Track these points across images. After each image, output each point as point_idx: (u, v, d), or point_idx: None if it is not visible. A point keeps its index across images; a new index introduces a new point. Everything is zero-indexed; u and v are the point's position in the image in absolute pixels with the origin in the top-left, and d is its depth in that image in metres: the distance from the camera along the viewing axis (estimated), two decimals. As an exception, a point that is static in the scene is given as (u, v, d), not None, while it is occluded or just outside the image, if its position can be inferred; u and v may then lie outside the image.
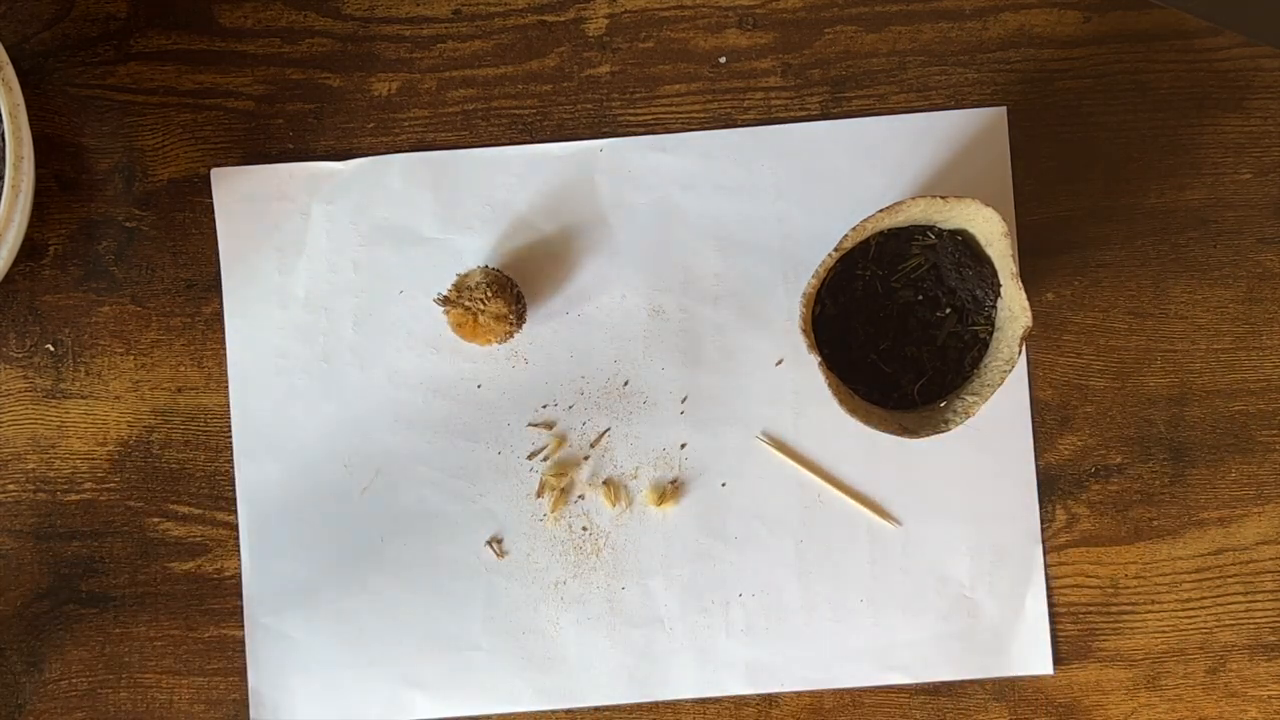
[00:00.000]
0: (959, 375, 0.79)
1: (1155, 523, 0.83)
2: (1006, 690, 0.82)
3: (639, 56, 0.83)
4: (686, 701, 0.82)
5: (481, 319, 0.77)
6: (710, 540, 0.83)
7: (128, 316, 0.83)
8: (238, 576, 0.83)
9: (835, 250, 0.75)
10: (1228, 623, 0.82)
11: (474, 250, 0.83)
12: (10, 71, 0.74)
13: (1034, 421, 0.83)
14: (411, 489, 0.83)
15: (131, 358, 0.83)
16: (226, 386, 0.83)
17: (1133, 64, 0.83)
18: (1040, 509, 0.82)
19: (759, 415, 0.83)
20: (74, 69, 0.83)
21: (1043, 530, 0.83)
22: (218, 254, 0.83)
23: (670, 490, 0.83)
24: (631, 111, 0.83)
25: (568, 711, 0.83)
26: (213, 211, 0.83)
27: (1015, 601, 0.82)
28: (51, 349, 0.83)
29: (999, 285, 0.78)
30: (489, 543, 0.83)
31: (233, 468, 0.83)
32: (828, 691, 0.82)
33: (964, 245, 0.79)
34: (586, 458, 0.83)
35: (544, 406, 0.83)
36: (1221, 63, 0.83)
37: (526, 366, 0.83)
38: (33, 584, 0.83)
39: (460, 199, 0.83)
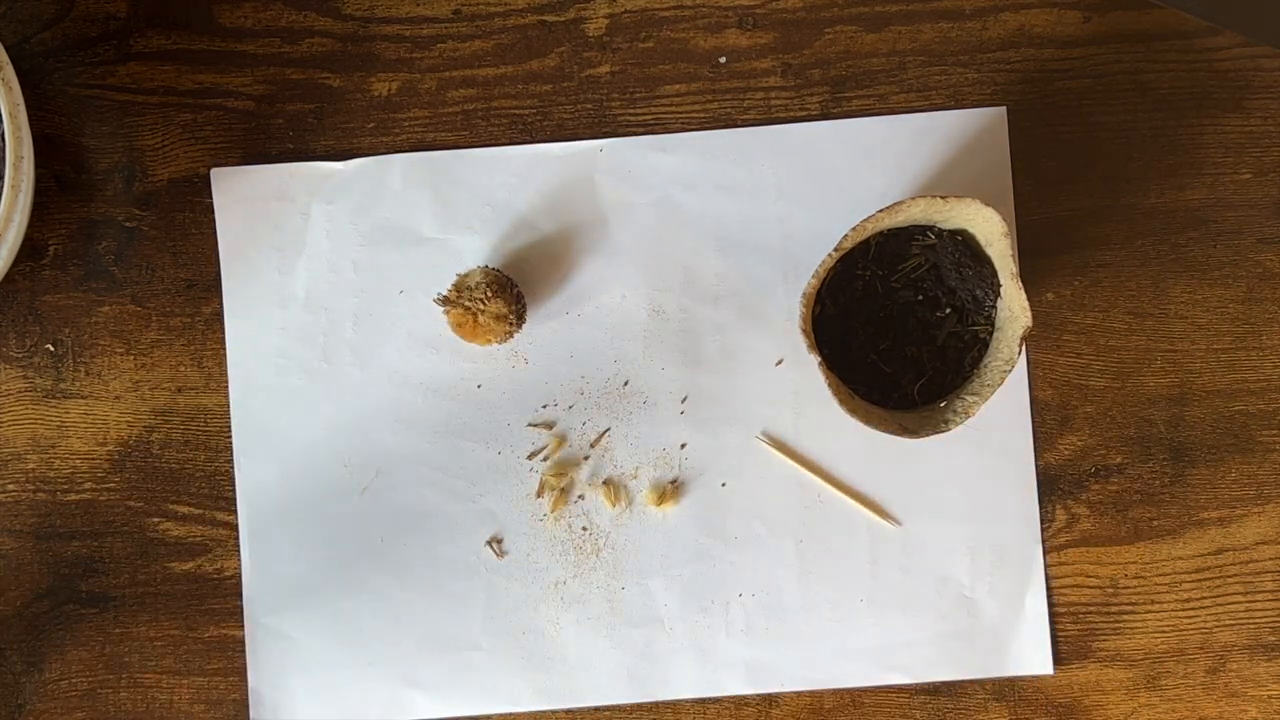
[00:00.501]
0: (959, 375, 0.79)
1: (1155, 523, 0.83)
2: (1006, 690, 0.82)
3: (639, 56, 0.83)
4: (686, 701, 0.82)
5: (481, 319, 0.77)
6: (710, 540, 0.82)
7: (128, 316, 0.83)
8: (238, 576, 0.82)
9: (835, 250, 0.75)
10: (1228, 623, 0.82)
11: (474, 250, 0.83)
12: (10, 71, 0.74)
13: (1034, 421, 0.83)
14: (411, 489, 0.82)
15: (131, 358, 0.83)
16: (226, 386, 0.83)
17: (1133, 64, 0.83)
18: (1040, 509, 0.82)
19: (759, 415, 0.83)
20: (74, 69, 0.83)
21: (1043, 530, 0.82)
22: (218, 254, 0.83)
23: (670, 490, 0.83)
24: (631, 111, 0.83)
25: (568, 711, 0.82)
26: (213, 211, 0.83)
27: (1015, 601, 0.82)
28: (51, 349, 0.83)
29: (999, 285, 0.78)
30: (489, 543, 0.83)
31: (233, 468, 0.83)
32: (828, 691, 0.82)
33: (964, 245, 0.79)
34: (586, 458, 0.83)
35: (544, 406, 0.83)
36: (1221, 63, 0.83)
37: (526, 366, 0.83)
38: (33, 584, 0.83)
39: (460, 199, 0.83)
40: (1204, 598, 0.82)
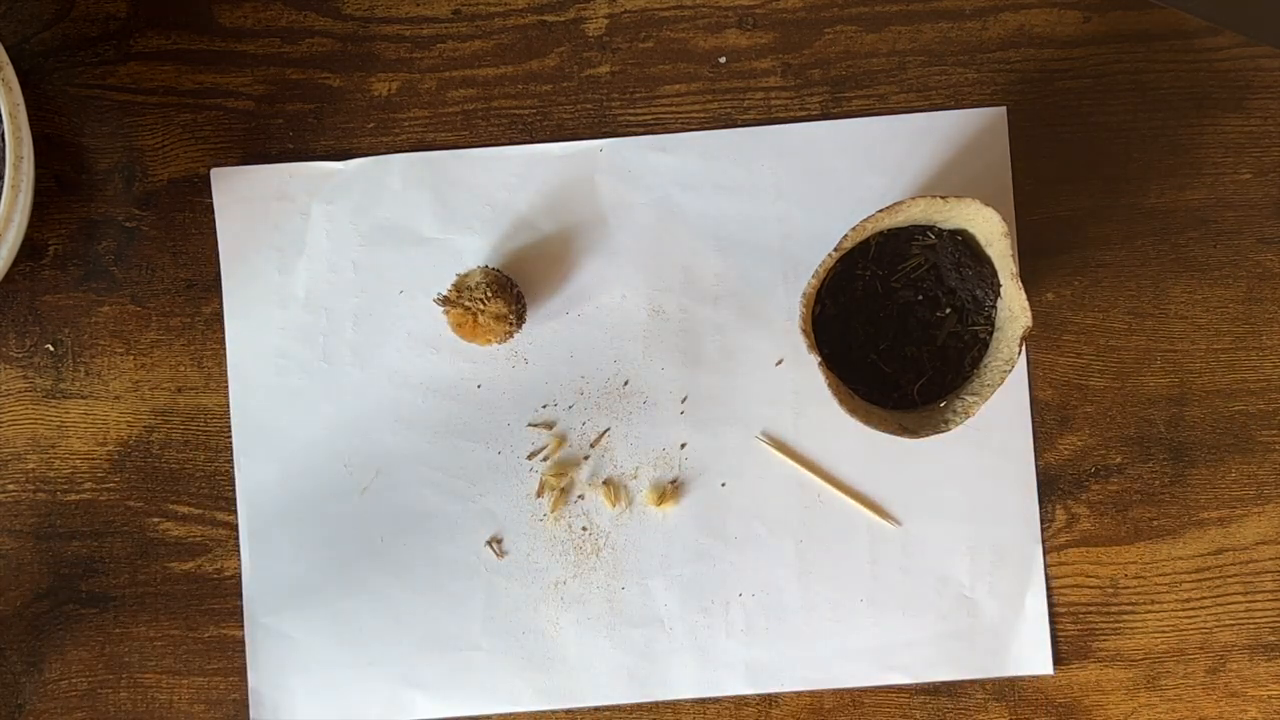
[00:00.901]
0: (959, 375, 0.79)
1: (1155, 523, 0.82)
2: (1006, 690, 0.82)
3: (639, 56, 0.83)
4: (686, 701, 0.82)
5: (481, 319, 0.77)
6: (710, 540, 0.82)
7: (128, 316, 0.83)
8: (238, 576, 0.82)
9: (835, 250, 0.74)
10: (1228, 623, 0.82)
11: (474, 250, 0.83)
12: (10, 71, 0.73)
13: (1034, 421, 0.82)
14: (411, 489, 0.82)
15: (131, 358, 0.83)
16: (226, 386, 0.82)
17: (1133, 64, 0.83)
18: (1040, 509, 0.82)
19: (759, 415, 0.82)
20: (74, 69, 0.83)
21: (1043, 530, 0.82)
22: (218, 254, 0.83)
23: (670, 490, 0.82)
24: (631, 111, 0.83)
25: (568, 711, 0.82)
26: (213, 211, 0.83)
27: (1015, 601, 0.82)
28: (51, 349, 0.83)
29: (999, 285, 0.78)
30: (489, 543, 0.82)
31: (233, 468, 0.82)
32: (828, 691, 0.82)
33: (964, 245, 0.78)
34: (586, 458, 0.82)
35: (544, 406, 0.83)
36: (1221, 63, 0.82)
37: (526, 366, 0.83)
38: (33, 584, 0.82)
39: (460, 199, 0.83)
40: (1204, 598, 0.82)
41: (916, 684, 0.82)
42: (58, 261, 0.83)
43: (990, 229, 0.75)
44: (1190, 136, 0.83)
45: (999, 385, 0.75)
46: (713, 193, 0.83)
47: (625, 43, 0.83)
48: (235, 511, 0.82)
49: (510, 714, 0.82)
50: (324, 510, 0.82)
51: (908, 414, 0.78)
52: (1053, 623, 0.82)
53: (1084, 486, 0.82)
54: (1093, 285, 0.83)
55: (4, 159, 0.74)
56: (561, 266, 0.83)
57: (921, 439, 0.77)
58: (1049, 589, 0.82)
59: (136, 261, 0.83)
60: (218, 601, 0.83)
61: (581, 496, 0.83)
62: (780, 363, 0.83)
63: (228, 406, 0.83)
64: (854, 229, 0.74)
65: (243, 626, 0.82)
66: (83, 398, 0.83)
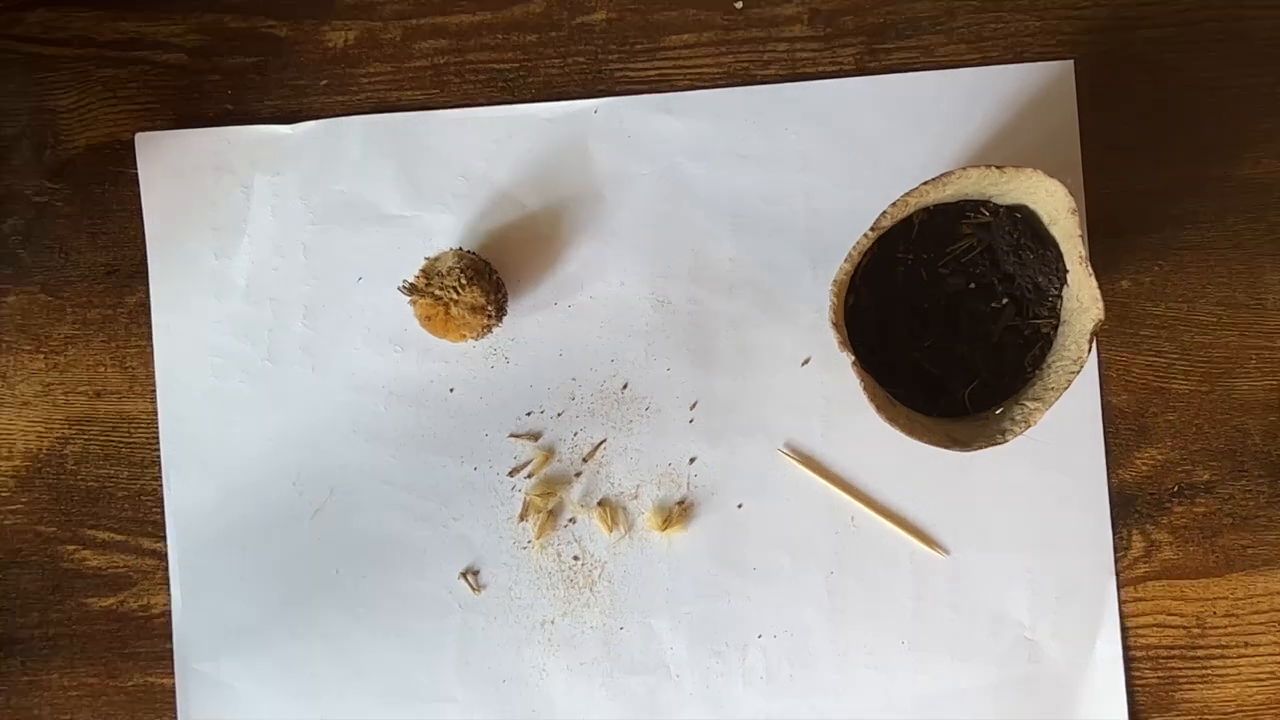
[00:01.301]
0: (1017, 378, 0.76)
1: (1250, 551, 0.80)
2: (1072, 747, 0.77)
3: (640, 1, 0.80)
4: (696, 760, 0.77)
5: (454, 310, 0.75)
6: (724, 572, 0.79)
7: (37, 308, 0.81)
8: (167, 615, 0.80)
9: (872, 230, 0.72)
10: (1333, 668, 0.77)
11: (445, 230, 0.80)
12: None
13: (1106, 432, 0.80)
14: (372, 512, 0.80)
15: (42, 356, 0.81)
16: (154, 391, 0.81)
17: (1223, 9, 0.80)
18: (1114, 535, 0.80)
19: (781, 425, 0.80)
20: (-27, 17, 0.78)
21: (1116, 560, 0.80)
22: (143, 234, 0.81)
23: (677, 513, 0.80)
24: (631, 66, 0.80)
25: (556, 772, 0.77)
26: (138, 184, 0.81)
27: (1084, 644, 0.79)
28: (-52, 347, 0.78)
29: (1064, 271, 0.75)
30: (463, 575, 0.80)
31: (161, 487, 0.81)
32: (863, 749, 0.77)
33: (1023, 224, 0.76)
34: (578, 475, 0.80)
35: (528, 414, 0.80)
36: (1327, 9, 0.79)
37: (508, 367, 0.80)
38: (-74, 623, 0.77)
39: (429, 169, 0.80)
40: (1305, 639, 0.78)
41: (967, 740, 0.77)
42: (-45, 244, 0.78)
43: (1055, 205, 0.73)
44: (1290, 96, 0.79)
45: (1065, 389, 0.73)
46: (727, 162, 0.80)
47: (624, -15, 0.78)
48: (164, 538, 0.81)
49: (489, 774, 0.77)
50: (269, 537, 0.80)
51: (957, 423, 0.76)
52: (1128, 669, 0.80)
53: (1165, 508, 0.80)
54: (1176, 271, 0.80)
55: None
56: (549, 249, 0.80)
57: (973, 452, 0.74)
58: (1124, 629, 0.80)
59: (48, 243, 0.81)
60: (144, 644, 0.80)
61: (572, 520, 0.80)
62: (807, 363, 0.80)
63: (156, 414, 0.81)
64: (894, 205, 0.72)
65: (173, 674, 0.80)
66: (-15, 404, 0.78)
